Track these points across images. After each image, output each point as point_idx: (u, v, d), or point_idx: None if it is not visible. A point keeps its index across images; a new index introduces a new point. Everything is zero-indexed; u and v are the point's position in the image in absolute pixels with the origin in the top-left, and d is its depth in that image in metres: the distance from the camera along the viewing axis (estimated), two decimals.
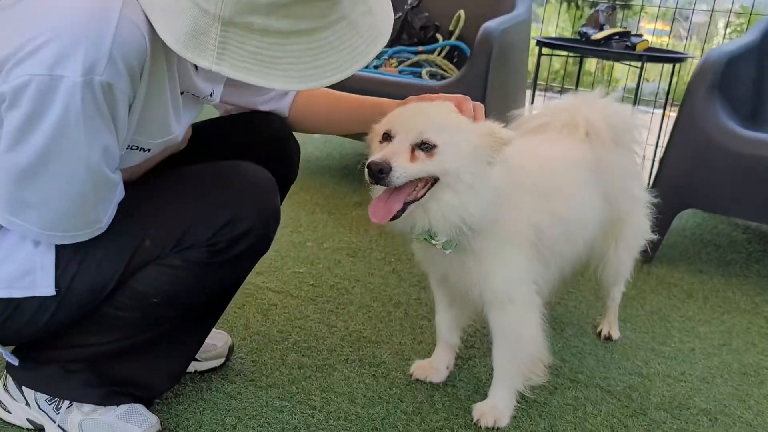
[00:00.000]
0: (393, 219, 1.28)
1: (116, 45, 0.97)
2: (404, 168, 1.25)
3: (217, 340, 1.66)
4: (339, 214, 2.83)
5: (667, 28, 6.10)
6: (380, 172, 1.23)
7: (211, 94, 1.33)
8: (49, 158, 1.01)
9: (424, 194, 1.30)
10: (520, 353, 1.52)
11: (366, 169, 1.25)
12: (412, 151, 1.28)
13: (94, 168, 1.05)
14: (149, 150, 1.21)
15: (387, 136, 1.32)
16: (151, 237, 1.20)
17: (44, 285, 1.16)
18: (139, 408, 1.38)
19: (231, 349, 1.69)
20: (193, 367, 1.62)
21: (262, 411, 1.51)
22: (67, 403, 1.34)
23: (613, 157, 1.65)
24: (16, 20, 1.01)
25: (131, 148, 1.17)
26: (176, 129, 1.23)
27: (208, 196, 1.25)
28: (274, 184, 1.31)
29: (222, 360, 1.66)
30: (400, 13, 3.52)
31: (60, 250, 1.16)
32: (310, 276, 2.22)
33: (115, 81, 0.99)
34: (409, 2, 3.53)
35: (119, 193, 1.16)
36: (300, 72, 1.01)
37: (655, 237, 1.94)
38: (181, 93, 1.22)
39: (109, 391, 1.35)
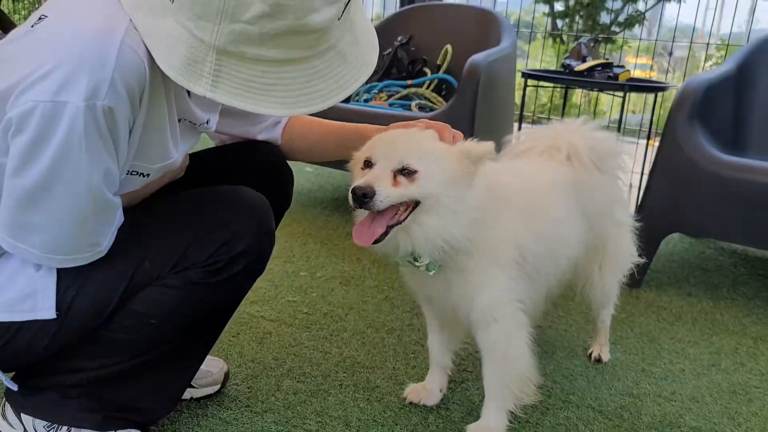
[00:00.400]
0: (376, 242, 1.33)
1: (117, 71, 1.01)
2: (387, 193, 1.29)
3: (213, 367, 1.67)
4: (331, 244, 2.87)
5: (650, 63, 6.29)
6: (364, 197, 1.27)
7: (207, 122, 1.37)
8: (53, 181, 1.05)
9: (406, 217, 1.35)
10: (509, 372, 1.54)
11: (350, 194, 1.29)
12: (394, 176, 1.33)
13: (96, 190, 1.09)
14: (148, 175, 1.25)
15: (368, 163, 1.37)
16: (151, 258, 1.24)
17: (45, 308, 1.19)
18: None
19: (227, 376, 1.70)
20: (189, 393, 1.63)
21: None
22: (65, 429, 1.35)
23: (595, 180, 1.70)
24: (25, 49, 1.06)
25: (131, 174, 1.21)
26: (174, 154, 1.27)
27: (206, 218, 1.29)
28: (268, 207, 1.36)
29: (218, 387, 1.67)
30: (389, 49, 3.61)
31: (61, 273, 1.19)
32: (304, 304, 2.25)
33: (116, 105, 1.03)
34: (399, 39, 3.62)
35: (119, 217, 1.20)
36: (291, 99, 1.06)
37: (642, 261, 1.99)
38: (179, 120, 1.27)
39: (107, 416, 1.36)
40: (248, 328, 2.04)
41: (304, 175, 4.02)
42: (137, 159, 1.19)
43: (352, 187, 1.30)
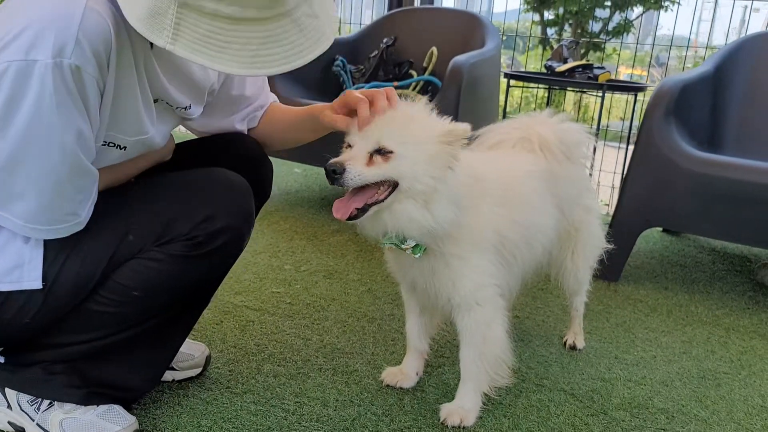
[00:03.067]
0: (352, 218, 1.37)
1: (82, 30, 1.07)
2: (359, 171, 1.34)
3: (195, 350, 1.72)
4: (317, 240, 2.92)
5: (643, 73, 6.38)
6: (334, 172, 1.33)
7: (188, 107, 1.43)
8: (30, 142, 1.10)
9: (386, 197, 1.39)
10: (486, 354, 1.59)
11: (324, 171, 1.35)
12: (370, 157, 1.37)
13: (69, 151, 1.14)
14: (125, 148, 1.30)
15: (349, 147, 1.42)
16: (134, 231, 1.30)
17: (32, 279, 1.24)
18: (118, 408, 1.44)
19: (208, 360, 1.75)
20: (171, 376, 1.68)
21: (236, 414, 1.57)
22: (47, 403, 1.39)
23: (564, 169, 1.76)
24: (1, 15, 1.13)
25: (108, 145, 1.27)
26: (151, 130, 1.32)
27: (188, 194, 1.36)
28: (248, 188, 1.42)
29: (199, 370, 1.72)
30: (375, 51, 3.68)
31: (48, 245, 1.25)
32: (288, 295, 2.30)
33: (82, 64, 1.09)
34: (384, 41, 3.69)
35: (95, 191, 1.25)
36: (247, 58, 1.10)
37: (611, 247, 2.05)
38: (156, 101, 1.33)
39: (90, 392, 1.41)
40: (231, 316, 2.09)
41: (292, 175, 4.07)
42: (111, 129, 1.24)
43: (325, 165, 1.35)
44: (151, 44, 1.26)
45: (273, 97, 1.72)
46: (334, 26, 1.24)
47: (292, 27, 1.13)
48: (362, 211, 1.37)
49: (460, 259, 1.52)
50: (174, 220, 1.31)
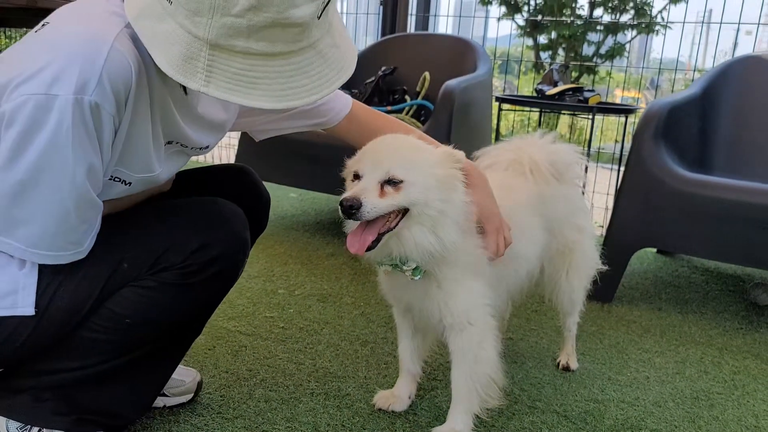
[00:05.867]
0: (368, 250, 1.40)
1: (106, 70, 1.10)
2: (374, 204, 1.37)
3: (186, 376, 1.72)
4: (311, 264, 2.92)
5: (638, 95, 6.46)
6: (351, 208, 1.35)
7: (205, 147, 1.45)
8: (41, 173, 1.12)
9: (397, 224, 1.42)
10: (478, 373, 1.59)
11: (339, 206, 1.37)
12: (381, 187, 1.40)
13: (79, 184, 1.15)
14: (130, 184, 1.31)
15: (357, 176, 1.45)
16: (129, 260, 1.31)
17: (25, 305, 1.24)
18: None
19: (200, 385, 1.74)
20: (162, 402, 1.67)
21: None
22: (36, 430, 1.38)
23: (556, 191, 1.78)
24: (26, 50, 1.16)
25: (114, 180, 1.28)
26: (157, 168, 1.34)
27: (184, 223, 1.37)
28: (243, 217, 1.43)
29: (190, 395, 1.71)
30: (372, 78, 3.71)
31: (42, 271, 1.25)
32: (281, 320, 2.30)
33: (102, 102, 1.11)
34: (383, 69, 3.72)
35: (99, 222, 1.26)
36: (276, 92, 1.13)
37: (605, 268, 2.05)
38: (169, 143, 1.35)
39: (79, 418, 1.40)
40: (224, 342, 2.09)
41: (288, 200, 4.09)
42: (120, 165, 1.25)
43: (340, 199, 1.37)
44: (185, 89, 1.30)
45: (350, 99, 1.73)
46: (354, 54, 1.27)
47: (317, 58, 1.17)
48: (376, 241, 1.40)
49: (453, 281, 1.53)
50: (168, 249, 1.32)
